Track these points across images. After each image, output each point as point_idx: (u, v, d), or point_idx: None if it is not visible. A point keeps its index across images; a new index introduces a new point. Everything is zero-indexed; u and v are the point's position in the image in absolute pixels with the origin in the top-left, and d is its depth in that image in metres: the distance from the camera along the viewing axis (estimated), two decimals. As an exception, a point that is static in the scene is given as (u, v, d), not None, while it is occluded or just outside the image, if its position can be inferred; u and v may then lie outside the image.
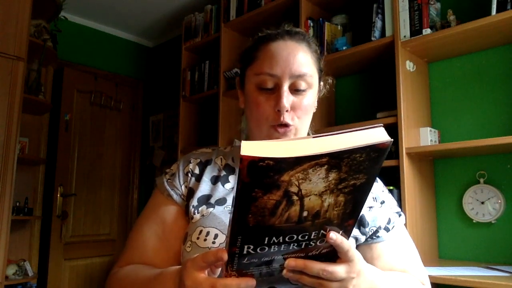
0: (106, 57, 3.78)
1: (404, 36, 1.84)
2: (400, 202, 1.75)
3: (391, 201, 0.83)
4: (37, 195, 2.97)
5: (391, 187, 1.79)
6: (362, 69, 2.26)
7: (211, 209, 0.76)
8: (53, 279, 3.16)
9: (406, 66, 1.86)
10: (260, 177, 0.47)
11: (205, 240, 0.70)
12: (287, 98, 0.76)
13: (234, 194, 0.50)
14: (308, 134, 0.93)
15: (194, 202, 0.79)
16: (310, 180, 0.49)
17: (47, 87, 2.97)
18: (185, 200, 0.81)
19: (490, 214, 1.76)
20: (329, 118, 2.34)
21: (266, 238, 0.54)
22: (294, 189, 0.50)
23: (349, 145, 0.48)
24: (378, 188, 0.83)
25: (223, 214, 0.75)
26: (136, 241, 0.82)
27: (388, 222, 0.79)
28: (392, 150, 1.93)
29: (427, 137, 1.85)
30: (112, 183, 3.65)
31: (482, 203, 1.79)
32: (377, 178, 0.85)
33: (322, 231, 0.55)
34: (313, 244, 0.57)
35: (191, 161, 0.87)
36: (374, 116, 1.96)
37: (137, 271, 0.73)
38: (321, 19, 2.20)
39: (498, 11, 1.62)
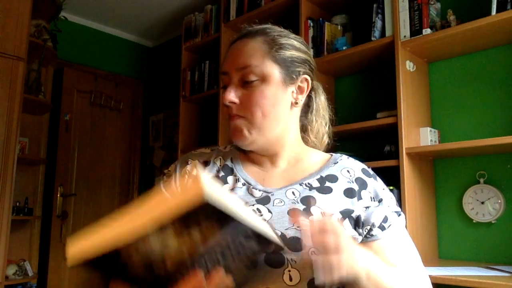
0: (106, 57, 3.78)
1: (404, 36, 1.84)
2: (400, 202, 1.75)
3: (391, 200, 0.81)
4: (37, 195, 2.97)
5: (391, 187, 1.79)
6: (362, 69, 2.26)
7: None
8: (53, 279, 3.16)
9: (406, 66, 1.86)
10: (104, 267, 0.52)
11: None
12: (233, 92, 0.79)
13: None
14: (308, 136, 0.92)
15: None
16: (151, 246, 0.49)
17: (47, 87, 2.97)
18: None
19: (490, 214, 1.76)
20: (329, 118, 2.33)
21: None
22: (142, 254, 0.50)
23: (166, 216, 0.47)
24: (378, 187, 0.82)
25: None
26: None
27: (384, 221, 0.77)
28: (392, 150, 1.93)
29: (427, 137, 1.85)
30: (112, 183, 3.65)
31: (482, 203, 1.79)
32: (377, 177, 0.84)
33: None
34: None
35: (189, 162, 0.87)
36: (374, 116, 1.96)
37: None
38: (321, 19, 2.20)
39: (498, 11, 1.62)
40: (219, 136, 2.64)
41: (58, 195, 3.25)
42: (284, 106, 0.82)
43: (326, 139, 0.93)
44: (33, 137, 2.95)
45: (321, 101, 0.92)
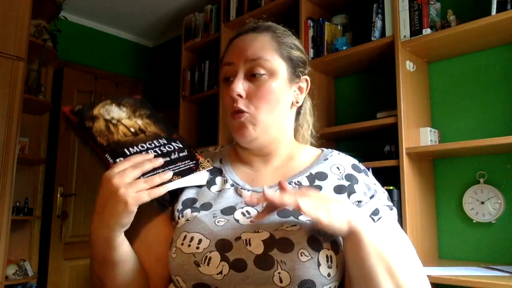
0: (106, 57, 3.78)
1: (404, 36, 1.84)
2: (400, 202, 1.75)
3: (382, 194, 0.80)
4: (37, 195, 2.97)
5: (391, 187, 1.79)
6: (362, 69, 2.26)
7: (195, 213, 0.75)
8: (53, 279, 3.16)
9: (406, 66, 1.86)
10: (81, 114, 0.75)
11: (189, 245, 0.69)
12: (240, 84, 0.77)
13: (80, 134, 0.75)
14: (300, 132, 0.92)
15: (179, 205, 0.78)
16: (113, 111, 0.78)
17: (47, 87, 2.97)
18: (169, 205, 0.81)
19: (490, 214, 1.76)
20: (329, 118, 2.34)
21: (126, 149, 0.72)
22: (107, 117, 0.76)
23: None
24: (370, 182, 0.81)
25: (208, 218, 0.73)
26: None
27: (375, 214, 0.75)
28: (392, 150, 1.93)
29: (427, 137, 1.85)
30: (112, 183, 3.65)
31: (482, 203, 1.79)
32: (368, 172, 0.84)
33: (158, 139, 0.77)
34: (169, 149, 0.76)
35: None
36: (374, 116, 1.96)
37: None
38: (321, 19, 2.20)
39: (498, 11, 1.62)
40: (219, 136, 2.64)
41: (58, 195, 3.25)
42: (286, 105, 0.81)
43: (308, 144, 0.93)
44: (33, 137, 2.95)
45: (307, 105, 0.93)
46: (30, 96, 2.61)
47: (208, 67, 2.90)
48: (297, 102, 0.84)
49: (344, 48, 2.08)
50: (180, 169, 0.74)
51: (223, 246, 0.68)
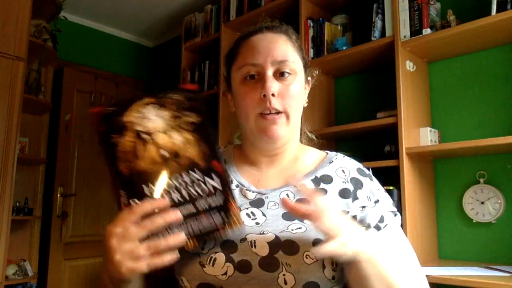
0: (106, 57, 3.78)
1: (404, 36, 1.84)
2: (400, 202, 1.75)
3: (387, 200, 0.80)
4: (37, 195, 2.97)
5: (391, 187, 1.79)
6: (362, 69, 2.26)
7: None
8: (53, 279, 3.15)
9: (406, 66, 1.86)
10: (109, 122, 0.61)
11: None
12: (273, 83, 0.76)
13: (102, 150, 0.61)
14: (303, 132, 0.93)
15: None
16: (148, 118, 0.61)
17: (47, 87, 2.97)
18: None
19: (490, 214, 1.76)
20: (329, 118, 2.34)
21: (145, 187, 0.61)
22: (140, 127, 0.61)
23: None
24: (374, 187, 0.81)
25: None
26: None
27: (381, 221, 0.76)
28: (392, 150, 1.93)
29: (427, 137, 1.85)
30: (112, 183, 3.65)
31: (482, 203, 1.79)
32: (372, 177, 0.84)
33: (192, 172, 0.62)
34: (199, 191, 0.63)
35: None
36: (374, 116, 1.96)
37: None
38: (321, 19, 2.20)
39: (498, 11, 1.62)
40: (219, 136, 2.64)
41: (58, 195, 3.25)
42: (302, 104, 0.84)
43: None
44: (33, 137, 2.95)
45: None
46: (30, 96, 2.61)
47: (208, 67, 2.90)
48: (307, 102, 0.86)
49: (344, 48, 2.08)
50: (201, 229, 0.62)
51: (228, 247, 0.68)
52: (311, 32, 2.22)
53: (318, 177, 0.80)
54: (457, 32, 1.71)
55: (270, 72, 0.77)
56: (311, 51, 2.20)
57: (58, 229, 3.24)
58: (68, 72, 3.42)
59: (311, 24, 2.22)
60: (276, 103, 0.76)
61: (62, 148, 3.31)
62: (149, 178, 0.61)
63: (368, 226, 0.75)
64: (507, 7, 1.60)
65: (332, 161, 0.84)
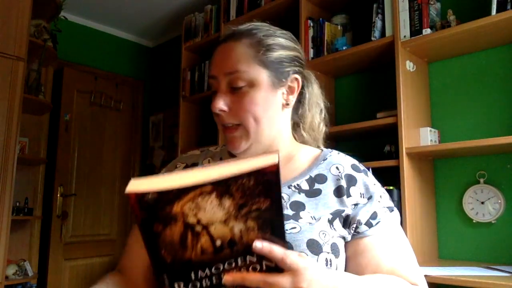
0: (106, 57, 3.78)
1: (404, 36, 1.84)
2: (400, 202, 1.75)
3: (383, 195, 0.78)
4: (37, 195, 2.97)
5: (391, 187, 1.79)
6: (362, 69, 2.26)
7: None
8: (53, 279, 3.16)
9: (406, 66, 1.86)
10: (153, 210, 0.48)
11: None
12: (221, 99, 0.76)
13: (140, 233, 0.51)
14: (299, 132, 0.89)
15: None
16: (205, 209, 0.50)
17: (47, 87, 2.97)
18: None
19: (490, 214, 1.76)
20: (329, 118, 2.33)
21: (192, 273, 0.53)
22: (192, 219, 0.50)
23: (233, 172, 0.48)
24: (369, 182, 0.79)
25: None
26: (127, 246, 0.84)
27: (373, 217, 0.74)
28: (392, 150, 1.93)
29: (427, 137, 1.85)
30: (112, 183, 3.65)
31: (482, 203, 1.79)
32: (368, 172, 0.82)
33: (248, 256, 0.54)
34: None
35: (178, 165, 0.87)
36: (374, 116, 1.96)
37: None
38: (321, 19, 2.20)
39: (498, 11, 1.62)
40: (219, 136, 2.64)
41: (58, 195, 3.25)
42: (275, 109, 0.79)
43: (323, 128, 0.91)
44: (33, 137, 2.95)
45: (313, 89, 0.90)
46: (30, 96, 2.61)
47: (208, 67, 2.90)
48: (288, 104, 0.81)
49: (344, 48, 2.08)
50: None
51: None
52: (311, 32, 2.22)
53: (313, 176, 0.79)
54: (457, 32, 1.71)
55: (223, 85, 0.77)
56: (311, 51, 2.20)
57: (58, 229, 3.24)
58: (68, 72, 3.42)
59: (311, 24, 2.22)
60: (229, 118, 0.76)
61: (62, 148, 3.32)
62: (198, 265, 0.53)
63: (358, 223, 0.74)
64: (507, 7, 1.60)
65: (326, 158, 0.82)
